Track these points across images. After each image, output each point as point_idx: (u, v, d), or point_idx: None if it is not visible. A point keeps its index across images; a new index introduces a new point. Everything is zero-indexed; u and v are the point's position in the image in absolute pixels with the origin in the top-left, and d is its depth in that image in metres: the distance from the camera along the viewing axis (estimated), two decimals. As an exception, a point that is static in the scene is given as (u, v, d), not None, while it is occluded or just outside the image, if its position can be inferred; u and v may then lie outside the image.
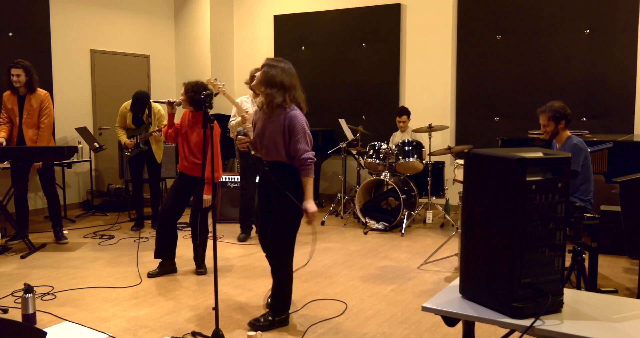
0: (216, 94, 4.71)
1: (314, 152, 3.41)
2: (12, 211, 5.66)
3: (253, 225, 6.02)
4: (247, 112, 5.41)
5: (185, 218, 4.99)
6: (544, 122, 4.42)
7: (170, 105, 4.69)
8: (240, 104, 5.58)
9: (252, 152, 3.57)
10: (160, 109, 6.22)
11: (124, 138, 6.20)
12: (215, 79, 5.23)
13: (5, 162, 5.46)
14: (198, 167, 4.55)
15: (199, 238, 4.77)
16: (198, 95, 4.37)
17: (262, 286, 4.44)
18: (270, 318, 3.57)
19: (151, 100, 6.22)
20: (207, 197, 4.41)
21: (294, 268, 3.62)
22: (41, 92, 5.56)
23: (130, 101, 6.19)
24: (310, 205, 3.39)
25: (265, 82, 3.36)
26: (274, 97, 3.35)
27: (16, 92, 5.48)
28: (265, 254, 3.64)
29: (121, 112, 6.27)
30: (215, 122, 4.73)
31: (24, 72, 5.38)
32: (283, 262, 3.52)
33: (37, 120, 5.50)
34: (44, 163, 5.59)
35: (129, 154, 6.21)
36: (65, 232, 5.94)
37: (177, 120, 4.86)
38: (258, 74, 3.44)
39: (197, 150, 4.54)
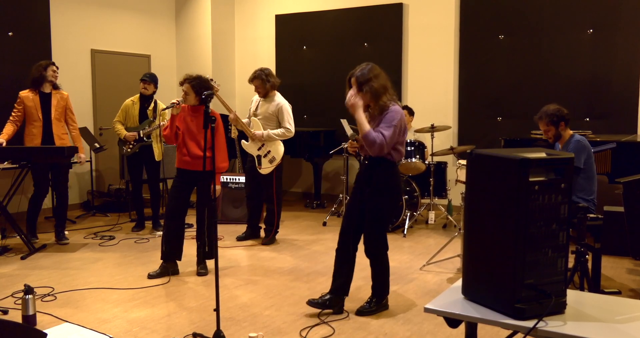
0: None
1: (387, 144, 3.57)
2: (12, 211, 5.65)
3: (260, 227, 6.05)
4: (254, 133, 5.55)
5: (189, 219, 4.98)
6: (543, 127, 4.43)
7: (177, 106, 4.62)
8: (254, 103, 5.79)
9: (359, 158, 3.84)
10: (163, 106, 6.20)
11: (123, 131, 6.13)
12: (212, 80, 5.24)
13: (6, 163, 5.45)
14: (202, 161, 4.53)
15: (201, 238, 4.75)
16: (204, 90, 4.45)
17: (263, 287, 4.43)
18: (375, 303, 3.90)
19: (160, 107, 6.21)
20: (218, 188, 4.57)
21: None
22: (63, 91, 5.81)
23: (137, 95, 6.18)
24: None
25: (375, 98, 3.66)
26: (381, 102, 3.67)
27: (38, 91, 5.58)
28: (337, 247, 3.98)
29: (125, 106, 6.20)
30: (218, 114, 4.73)
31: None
32: (381, 250, 3.84)
33: (64, 117, 5.77)
34: (60, 163, 5.68)
35: (129, 149, 6.14)
36: (65, 232, 5.94)
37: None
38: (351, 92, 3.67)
39: (203, 141, 4.53)
